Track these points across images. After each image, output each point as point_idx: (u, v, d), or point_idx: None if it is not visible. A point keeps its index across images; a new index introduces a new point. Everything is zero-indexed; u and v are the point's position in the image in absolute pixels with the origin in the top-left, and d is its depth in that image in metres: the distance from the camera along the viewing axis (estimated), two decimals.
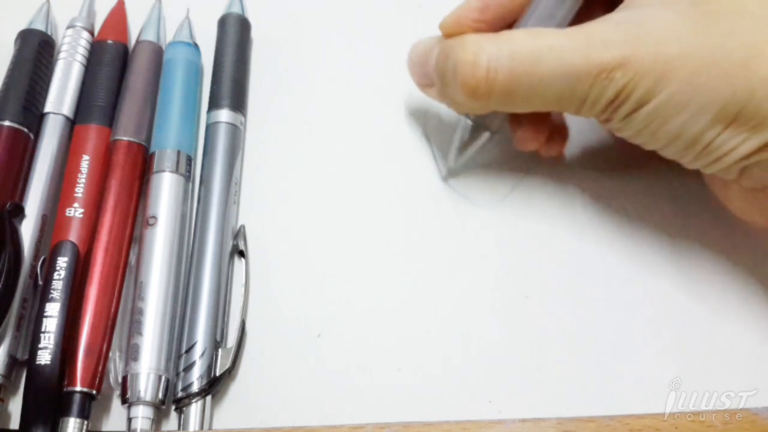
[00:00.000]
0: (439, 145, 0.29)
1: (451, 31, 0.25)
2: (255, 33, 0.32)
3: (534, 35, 0.23)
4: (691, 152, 0.22)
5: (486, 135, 0.27)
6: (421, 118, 0.30)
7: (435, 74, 0.25)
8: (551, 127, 0.27)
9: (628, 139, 0.24)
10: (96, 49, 0.30)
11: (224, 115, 0.29)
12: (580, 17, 0.24)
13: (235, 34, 0.31)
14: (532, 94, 0.23)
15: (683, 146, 0.22)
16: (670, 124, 0.22)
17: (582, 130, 0.29)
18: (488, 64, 0.23)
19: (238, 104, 0.29)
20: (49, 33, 0.30)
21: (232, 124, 0.29)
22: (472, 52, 0.23)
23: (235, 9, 0.32)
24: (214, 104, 0.29)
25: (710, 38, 0.21)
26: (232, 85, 0.30)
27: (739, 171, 0.22)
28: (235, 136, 0.29)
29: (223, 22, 0.32)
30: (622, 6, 0.23)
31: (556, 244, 0.27)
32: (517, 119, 0.27)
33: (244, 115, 0.30)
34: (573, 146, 0.29)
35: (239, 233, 0.27)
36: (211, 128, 0.29)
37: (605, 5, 0.24)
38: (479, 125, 0.27)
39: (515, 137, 0.27)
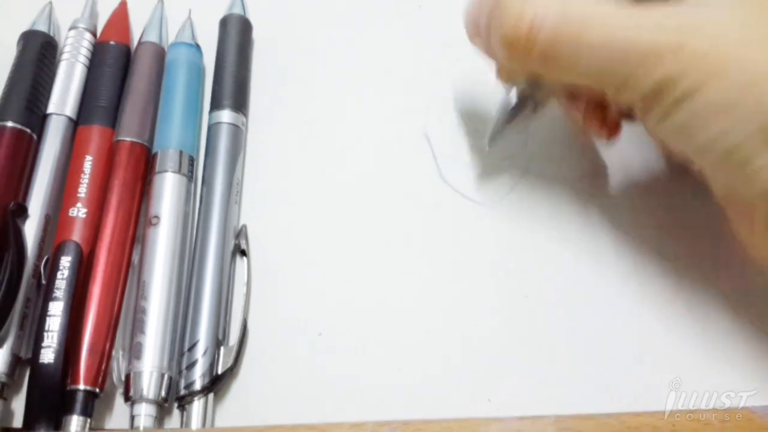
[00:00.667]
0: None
1: None
2: (256, 34, 0.33)
3: (588, 0, 0.22)
4: (726, 165, 0.20)
5: (531, 106, 0.26)
6: (422, 117, 0.30)
7: (484, 22, 0.24)
8: (607, 113, 0.26)
9: (662, 142, 0.23)
10: (98, 50, 0.31)
11: (226, 115, 0.29)
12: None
13: (237, 34, 0.31)
14: (573, 61, 0.22)
15: (720, 154, 0.20)
16: (711, 127, 0.20)
17: None
18: (533, 18, 0.22)
19: (240, 105, 0.29)
20: (51, 34, 0.31)
21: (233, 124, 0.29)
22: (520, 3, 0.22)
23: (237, 10, 0.32)
24: (215, 105, 0.29)
25: (765, 40, 0.20)
26: (233, 85, 0.30)
27: None
28: (237, 136, 0.29)
29: (224, 23, 0.32)
30: None
31: (555, 243, 0.27)
32: (572, 97, 0.26)
33: (246, 116, 0.30)
34: (573, 145, 0.29)
35: (241, 233, 0.27)
36: (212, 129, 0.29)
37: None
38: (524, 97, 0.26)
39: (568, 110, 0.27)
